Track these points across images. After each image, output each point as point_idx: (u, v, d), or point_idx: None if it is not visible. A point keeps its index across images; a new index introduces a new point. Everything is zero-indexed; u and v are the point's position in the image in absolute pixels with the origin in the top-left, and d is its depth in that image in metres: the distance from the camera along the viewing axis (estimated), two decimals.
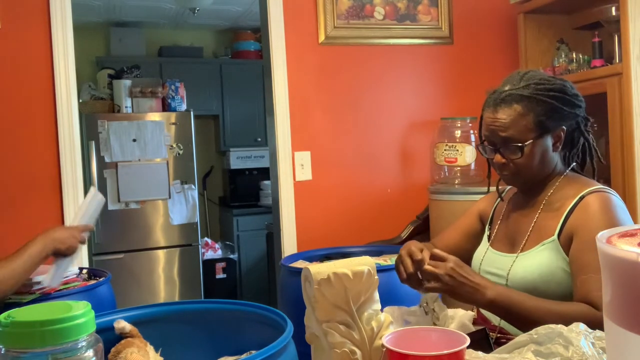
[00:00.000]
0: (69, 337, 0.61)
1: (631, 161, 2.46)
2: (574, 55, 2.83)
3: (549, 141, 1.44)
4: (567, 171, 1.50)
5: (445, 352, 0.84)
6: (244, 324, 1.28)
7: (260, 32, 3.10)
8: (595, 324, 1.12)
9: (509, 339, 1.28)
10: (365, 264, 0.99)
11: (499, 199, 1.63)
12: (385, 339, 0.89)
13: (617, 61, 2.57)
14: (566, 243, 1.39)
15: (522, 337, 0.96)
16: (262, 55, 3.20)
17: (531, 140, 1.41)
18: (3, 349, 0.61)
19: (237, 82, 5.34)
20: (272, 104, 2.87)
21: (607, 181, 2.66)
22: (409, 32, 3.08)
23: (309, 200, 2.91)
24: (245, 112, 5.36)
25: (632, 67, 2.43)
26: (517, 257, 1.45)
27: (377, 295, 1.01)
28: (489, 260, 1.53)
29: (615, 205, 1.39)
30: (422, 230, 2.98)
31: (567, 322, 1.16)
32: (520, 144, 1.41)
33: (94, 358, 0.64)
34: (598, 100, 2.58)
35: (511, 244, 1.51)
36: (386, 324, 0.99)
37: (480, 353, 0.93)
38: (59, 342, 0.61)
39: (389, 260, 2.22)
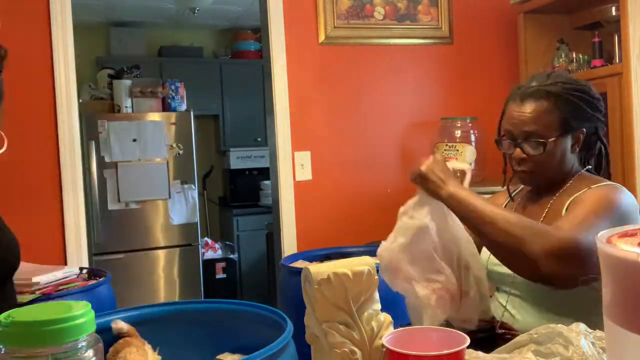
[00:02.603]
0: (69, 337, 0.61)
1: (631, 161, 2.46)
2: (574, 55, 2.83)
3: (569, 141, 1.45)
4: (582, 171, 1.50)
5: (445, 352, 0.84)
6: (244, 324, 1.28)
7: (260, 32, 3.10)
8: (545, 240, 1.21)
9: (512, 334, 1.29)
10: (365, 264, 0.99)
11: (509, 199, 1.62)
12: (385, 339, 0.89)
13: (617, 61, 2.57)
14: None
15: (522, 337, 0.96)
16: (262, 55, 3.20)
17: (554, 138, 1.41)
18: (3, 349, 0.61)
19: (237, 82, 5.33)
20: (272, 104, 2.87)
21: None
22: (409, 32, 3.08)
23: (309, 200, 2.91)
24: (245, 112, 5.36)
25: (632, 67, 2.43)
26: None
27: (377, 295, 1.00)
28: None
29: (619, 193, 1.38)
30: None
31: (518, 228, 1.24)
32: (543, 140, 1.41)
33: (94, 358, 0.64)
34: None
35: None
36: (386, 324, 0.99)
37: (480, 353, 0.93)
38: (59, 342, 0.61)
39: None
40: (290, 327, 1.06)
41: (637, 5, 2.44)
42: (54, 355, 0.61)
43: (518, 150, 1.46)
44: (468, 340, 0.86)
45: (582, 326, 0.94)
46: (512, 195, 1.61)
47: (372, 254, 2.32)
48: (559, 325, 0.95)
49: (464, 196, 1.32)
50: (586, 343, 0.90)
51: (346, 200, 2.97)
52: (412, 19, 3.08)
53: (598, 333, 0.93)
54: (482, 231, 1.31)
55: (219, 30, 5.65)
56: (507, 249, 1.27)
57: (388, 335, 0.91)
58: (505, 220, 1.28)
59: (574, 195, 1.42)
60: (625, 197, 1.38)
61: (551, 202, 1.48)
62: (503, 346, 0.98)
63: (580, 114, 1.43)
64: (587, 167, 1.52)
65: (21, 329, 0.61)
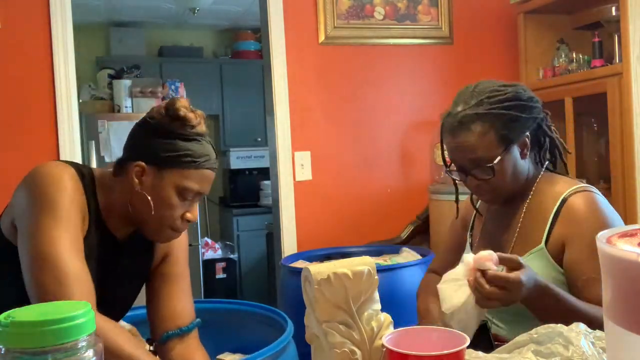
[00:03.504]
0: (69, 337, 0.61)
1: (631, 161, 2.46)
2: (574, 55, 2.83)
3: (516, 151, 1.40)
4: (542, 172, 1.47)
5: (445, 352, 0.84)
6: (245, 323, 1.29)
7: (260, 32, 3.10)
8: None
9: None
10: (365, 264, 0.99)
11: (476, 213, 1.59)
12: (385, 339, 0.89)
13: (617, 61, 2.57)
14: (556, 251, 1.35)
15: (522, 337, 0.96)
16: (262, 55, 3.19)
17: (499, 157, 1.36)
18: (3, 349, 0.61)
19: (237, 82, 5.33)
20: (272, 104, 2.87)
21: (607, 181, 2.67)
22: (409, 32, 3.08)
23: (309, 200, 2.91)
24: (245, 112, 5.36)
25: (632, 67, 2.43)
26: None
27: (377, 295, 1.00)
28: None
29: (600, 204, 1.37)
30: (422, 230, 2.98)
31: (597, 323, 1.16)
32: (490, 164, 1.36)
33: (94, 358, 0.64)
34: (598, 100, 2.58)
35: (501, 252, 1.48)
36: (386, 324, 0.99)
37: (480, 353, 0.93)
38: (59, 342, 0.61)
39: (389, 260, 2.22)
40: (291, 327, 1.06)
41: (637, 5, 2.44)
42: (54, 355, 0.61)
43: (470, 178, 1.41)
44: (468, 340, 0.86)
45: (582, 326, 0.94)
46: (477, 206, 1.57)
47: (372, 254, 2.33)
48: (559, 325, 0.95)
49: (540, 303, 1.24)
50: (586, 343, 0.90)
51: (346, 200, 2.97)
52: (412, 19, 3.08)
53: (598, 333, 0.93)
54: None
55: (219, 30, 5.65)
56: None
57: (388, 335, 0.91)
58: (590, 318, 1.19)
59: (550, 217, 1.37)
60: (608, 211, 1.37)
61: (520, 223, 1.44)
62: (503, 346, 0.98)
63: (515, 123, 1.37)
64: (545, 165, 1.48)
65: (21, 329, 0.61)
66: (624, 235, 0.54)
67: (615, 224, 1.35)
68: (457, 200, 1.58)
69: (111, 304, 1.27)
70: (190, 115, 1.28)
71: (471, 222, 1.61)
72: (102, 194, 1.29)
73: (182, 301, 1.37)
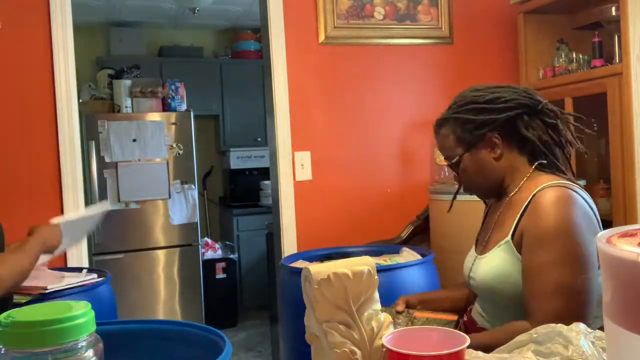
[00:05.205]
0: (69, 337, 0.61)
1: (631, 161, 2.46)
2: (574, 55, 2.83)
3: (482, 152, 1.47)
4: (532, 170, 1.46)
5: (445, 352, 0.83)
6: (176, 346, 1.11)
7: (260, 32, 3.10)
8: None
9: (475, 328, 1.33)
10: (365, 264, 0.99)
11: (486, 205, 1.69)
12: (385, 339, 0.89)
13: (617, 61, 2.57)
14: (519, 243, 1.37)
15: (522, 336, 0.96)
16: (262, 55, 3.20)
17: (458, 157, 1.49)
18: (3, 349, 0.61)
19: (237, 82, 5.34)
20: (272, 104, 2.87)
21: (607, 181, 2.67)
22: (409, 32, 3.08)
23: (309, 200, 2.91)
24: (245, 112, 5.37)
25: (632, 67, 2.43)
26: (478, 258, 1.50)
27: (377, 295, 1.00)
28: (469, 264, 1.56)
29: (567, 199, 1.33)
30: (422, 230, 2.98)
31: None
32: (452, 161, 1.52)
33: (94, 358, 0.64)
34: (598, 100, 2.58)
35: (485, 246, 1.52)
36: (386, 324, 0.99)
37: (480, 353, 0.93)
38: (59, 342, 0.61)
39: (389, 260, 2.22)
40: (229, 347, 0.94)
41: (637, 5, 2.44)
42: (54, 355, 0.61)
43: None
44: (468, 340, 0.86)
45: (582, 326, 0.94)
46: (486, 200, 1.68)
47: (372, 254, 2.32)
48: (559, 325, 0.95)
49: None
50: (586, 343, 0.90)
51: (346, 200, 2.97)
52: (412, 19, 3.08)
53: (598, 333, 0.93)
54: None
55: (219, 30, 5.65)
56: None
57: (388, 335, 0.91)
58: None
59: (520, 210, 1.38)
60: (574, 209, 1.33)
61: (498, 214, 1.49)
62: (503, 346, 0.98)
63: (469, 125, 1.47)
64: (535, 164, 1.46)
65: (21, 329, 0.61)
66: (624, 235, 0.54)
67: (577, 222, 1.31)
68: (455, 194, 1.68)
69: None
70: None
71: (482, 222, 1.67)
72: None
73: None
